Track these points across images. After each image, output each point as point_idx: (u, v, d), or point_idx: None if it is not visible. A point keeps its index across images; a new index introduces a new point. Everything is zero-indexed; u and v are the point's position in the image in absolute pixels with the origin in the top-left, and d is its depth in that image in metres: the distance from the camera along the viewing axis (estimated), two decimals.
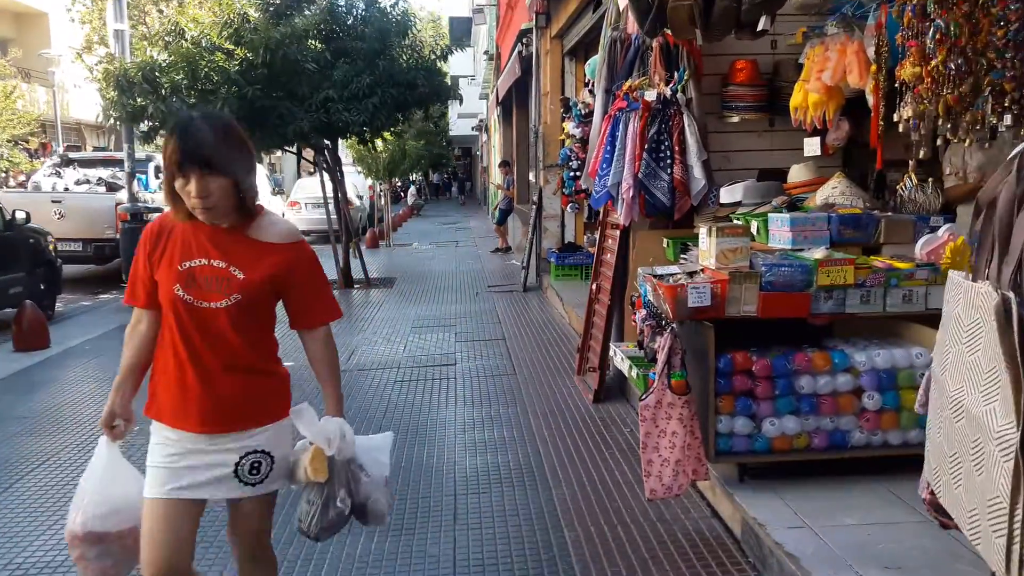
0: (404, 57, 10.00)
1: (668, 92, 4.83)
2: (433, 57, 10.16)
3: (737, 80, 5.10)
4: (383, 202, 22.46)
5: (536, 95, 10.03)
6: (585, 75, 9.80)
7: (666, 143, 4.82)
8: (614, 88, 5.68)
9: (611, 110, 5.34)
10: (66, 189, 11.55)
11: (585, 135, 9.66)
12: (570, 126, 9.62)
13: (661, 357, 3.29)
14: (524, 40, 10.33)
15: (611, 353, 5.01)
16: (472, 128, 35.79)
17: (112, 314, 9.09)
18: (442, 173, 53.07)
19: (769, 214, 4.06)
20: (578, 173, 9.74)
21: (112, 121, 8.98)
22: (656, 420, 3.27)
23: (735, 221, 4.18)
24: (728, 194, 4.76)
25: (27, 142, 22.50)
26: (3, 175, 20.75)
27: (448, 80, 10.33)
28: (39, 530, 3.52)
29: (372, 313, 8.87)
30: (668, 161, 4.80)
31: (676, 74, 4.92)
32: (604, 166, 5.20)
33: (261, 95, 9.08)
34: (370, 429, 4.78)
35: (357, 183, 20.89)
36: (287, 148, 10.98)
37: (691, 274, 3.60)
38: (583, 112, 9.55)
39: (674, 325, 3.33)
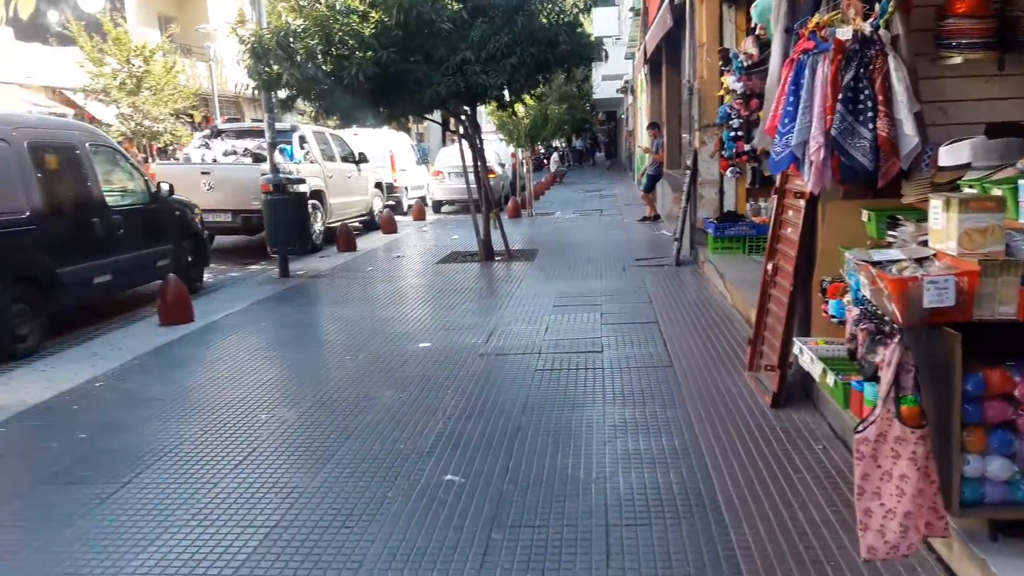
0: (544, 12, 9.28)
1: (867, 28, 3.88)
2: (576, 10, 9.37)
3: (957, 10, 4.08)
4: (525, 170, 22.01)
5: (690, 48, 9.05)
6: (750, 20, 8.72)
7: (866, 92, 3.88)
8: (796, 26, 4.73)
9: (793, 53, 4.41)
10: (214, 160, 11.74)
11: (748, 89, 8.61)
12: (730, 80, 8.60)
13: (886, 376, 2.48)
14: None
15: (795, 350, 4.17)
16: (617, 90, 34.53)
17: (257, 287, 9.07)
18: (585, 138, 52.17)
19: (1019, 181, 3.09)
20: (739, 133, 8.73)
21: (251, 89, 8.85)
22: (878, 459, 2.47)
23: (970, 190, 3.25)
24: (951, 155, 3.76)
25: (190, 116, 23.67)
26: (171, 147, 21.92)
27: (592, 39, 9.51)
28: (154, 533, 3.19)
29: (512, 289, 8.34)
30: (870, 114, 3.86)
31: (877, 6, 3.95)
32: (786, 121, 4.31)
33: (396, 59, 8.67)
34: (507, 428, 4.23)
35: (499, 151, 20.50)
36: (427, 116, 10.59)
37: (920, 261, 2.74)
38: (745, 64, 8.50)
39: (903, 332, 2.51)
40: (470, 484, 3.54)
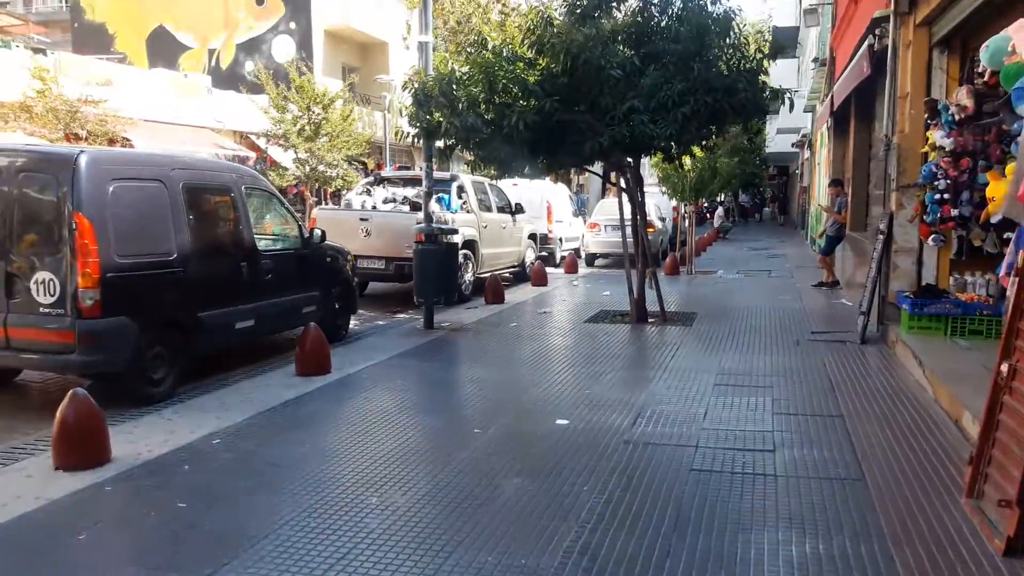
0: (724, 58, 8.53)
1: None
2: (759, 56, 8.54)
3: None
4: (687, 224, 21.00)
5: (890, 98, 7.96)
6: (963, 68, 7.56)
7: None
8: None
9: None
10: (373, 207, 11.77)
11: (959, 146, 7.39)
12: (937, 135, 7.43)
13: None
14: (877, 31, 8.29)
15: None
16: (792, 144, 32.78)
17: (400, 338, 8.78)
18: (753, 193, 49.96)
19: None
20: (946, 195, 7.51)
21: (410, 138, 8.68)
22: None
23: None
24: None
25: (363, 163, 24.60)
26: (343, 191, 22.80)
27: (776, 87, 8.63)
28: None
29: (665, 359, 7.50)
30: None
31: None
32: None
33: (559, 107, 8.20)
34: (654, 549, 3.45)
35: (660, 204, 19.67)
36: (587, 167, 10.06)
37: None
38: (957, 118, 7.33)
39: None
40: None
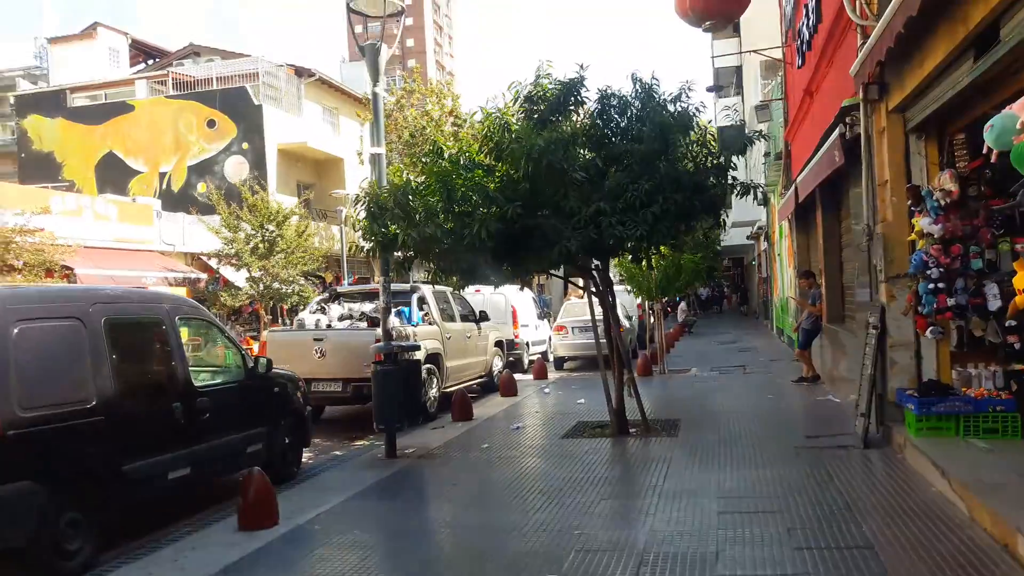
0: (690, 155, 8.21)
1: None
2: (726, 154, 8.23)
3: None
4: (652, 320, 20.56)
5: (868, 187, 7.64)
6: (943, 152, 7.27)
7: None
8: None
9: None
10: (329, 326, 11.05)
11: (949, 232, 7.01)
12: (924, 222, 7.04)
13: None
14: (848, 119, 8.05)
15: None
16: (747, 237, 33.10)
17: (361, 471, 7.90)
18: (712, 286, 50.26)
19: None
20: (940, 285, 7.07)
21: (364, 252, 8.10)
22: None
23: None
24: None
25: (320, 277, 23.98)
26: (299, 308, 22.07)
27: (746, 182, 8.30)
28: None
29: (657, 480, 6.75)
30: None
31: None
32: None
33: (522, 213, 7.73)
34: None
35: (625, 302, 19.28)
36: (552, 272, 9.55)
37: None
38: (943, 203, 6.99)
39: None
40: None
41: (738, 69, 27.99)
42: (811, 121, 11.43)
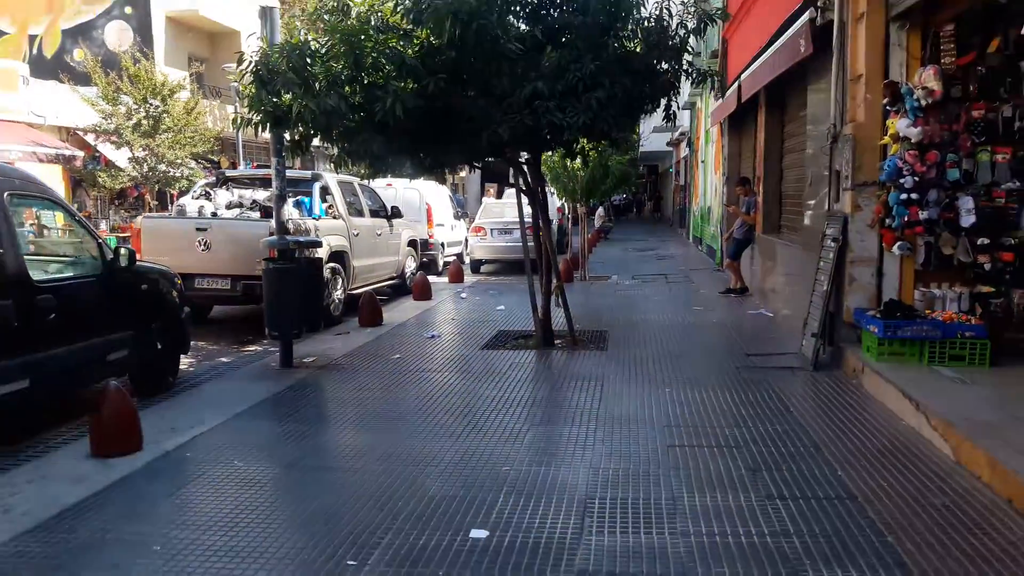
0: (642, 34, 7.11)
1: None
2: (683, 33, 7.17)
3: None
4: (570, 226, 19.75)
5: (838, 81, 6.77)
6: (926, 45, 6.44)
7: None
8: None
9: None
10: (214, 214, 9.61)
11: (927, 137, 6.24)
12: (900, 124, 6.24)
13: None
14: (819, 3, 7.08)
15: None
16: (667, 143, 32.47)
17: (249, 383, 6.81)
18: (622, 193, 49.93)
19: None
20: (913, 196, 6.35)
21: (250, 126, 6.73)
22: None
23: None
24: None
25: (215, 162, 21.90)
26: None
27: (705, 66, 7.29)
28: None
29: (592, 402, 5.96)
30: None
31: None
32: None
33: (445, 89, 6.52)
34: None
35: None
36: (474, 164, 8.42)
37: None
38: (924, 103, 6.21)
39: None
40: None
41: None
42: (759, 14, 10.41)
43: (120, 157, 18.96)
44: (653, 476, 4.38)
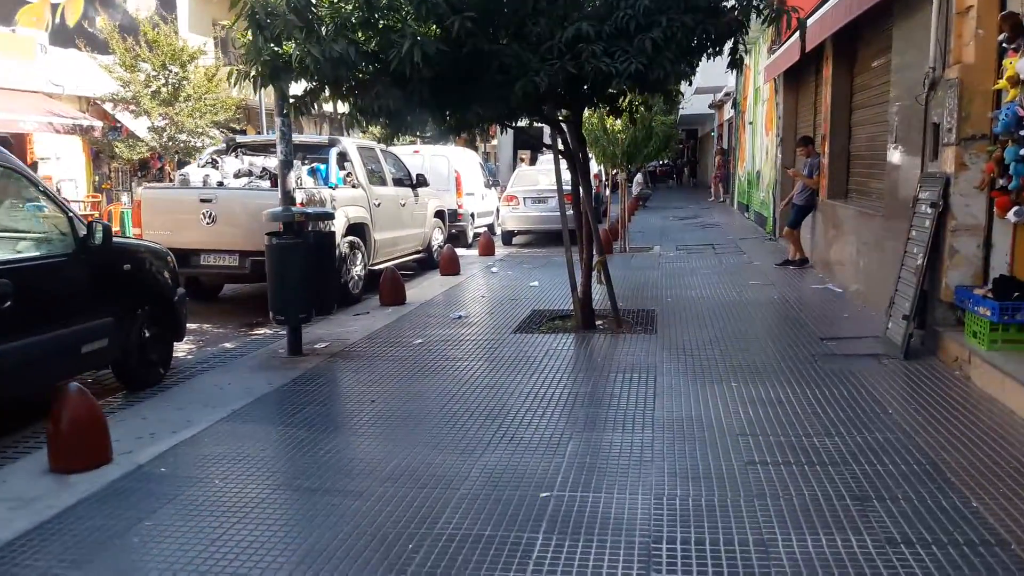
0: None
1: None
2: None
3: None
4: (608, 193, 18.68)
5: (943, 17, 5.65)
6: None
7: None
8: None
9: None
10: (220, 183, 8.77)
11: None
12: (1022, 64, 5.20)
13: None
14: None
15: None
16: (709, 105, 30.97)
17: (251, 374, 6.00)
18: (663, 158, 48.40)
19: None
20: None
21: (248, 79, 5.83)
22: None
23: None
24: None
25: (241, 131, 21.17)
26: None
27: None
28: None
29: (647, 400, 5.03)
30: None
31: None
32: None
33: (473, 31, 5.54)
34: None
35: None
36: (507, 123, 7.42)
37: None
38: None
39: None
40: None
41: None
42: None
43: (139, 126, 18.28)
44: (734, 507, 3.45)
